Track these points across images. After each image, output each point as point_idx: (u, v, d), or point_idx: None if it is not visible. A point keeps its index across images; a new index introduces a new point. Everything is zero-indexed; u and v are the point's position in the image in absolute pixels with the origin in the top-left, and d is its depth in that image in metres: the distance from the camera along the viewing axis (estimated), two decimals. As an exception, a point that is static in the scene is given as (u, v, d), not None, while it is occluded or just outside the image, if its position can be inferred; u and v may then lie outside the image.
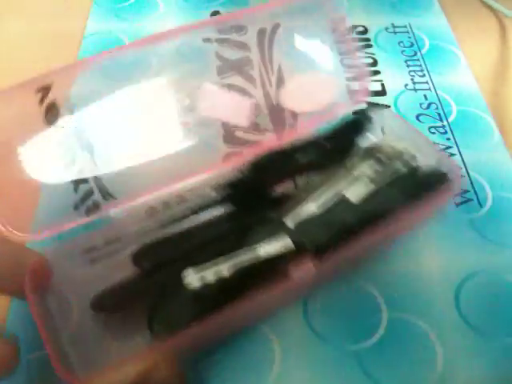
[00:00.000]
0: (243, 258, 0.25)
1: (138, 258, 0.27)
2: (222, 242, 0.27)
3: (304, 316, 0.28)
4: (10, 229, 0.25)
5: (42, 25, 0.45)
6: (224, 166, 0.30)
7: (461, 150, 0.36)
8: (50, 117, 0.26)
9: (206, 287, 0.24)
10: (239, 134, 0.33)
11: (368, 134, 0.33)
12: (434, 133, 0.37)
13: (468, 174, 0.35)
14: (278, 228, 0.26)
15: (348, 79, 0.34)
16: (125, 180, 0.28)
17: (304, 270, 0.24)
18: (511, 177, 0.35)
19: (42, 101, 0.26)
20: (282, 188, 0.30)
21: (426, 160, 0.30)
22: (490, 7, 0.49)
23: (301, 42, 0.36)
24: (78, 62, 0.27)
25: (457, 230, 0.32)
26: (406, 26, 0.47)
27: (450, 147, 0.37)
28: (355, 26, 0.46)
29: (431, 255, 0.31)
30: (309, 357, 0.27)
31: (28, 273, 0.24)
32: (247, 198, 0.29)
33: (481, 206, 0.33)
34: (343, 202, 0.27)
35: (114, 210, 0.27)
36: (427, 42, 0.45)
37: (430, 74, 0.42)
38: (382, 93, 0.41)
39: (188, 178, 0.29)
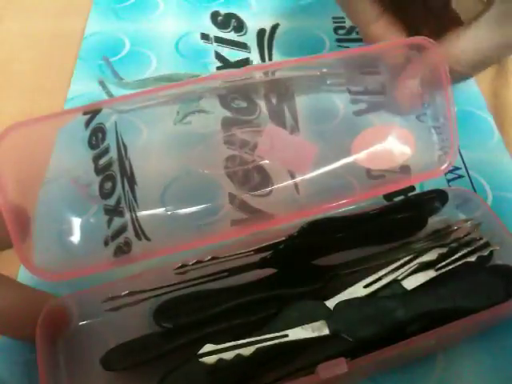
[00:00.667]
0: (269, 342, 0.22)
1: (158, 315, 0.25)
2: (251, 315, 0.25)
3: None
4: (38, 267, 0.23)
5: (42, 25, 0.45)
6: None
7: (461, 149, 0.36)
8: (95, 140, 0.25)
9: (223, 364, 0.22)
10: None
11: (441, 213, 0.30)
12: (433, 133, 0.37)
13: (468, 173, 0.35)
14: (316, 308, 0.24)
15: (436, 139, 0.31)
16: (162, 224, 0.26)
17: (334, 367, 0.21)
18: (511, 177, 0.35)
19: (88, 123, 0.25)
20: (332, 259, 0.27)
21: (502, 254, 0.27)
22: (489, 7, 0.49)
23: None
24: (133, 93, 0.26)
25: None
26: (405, 26, 0.47)
27: (450, 147, 0.37)
28: (355, 26, 0.46)
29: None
30: None
31: (40, 320, 0.22)
32: (290, 265, 0.26)
33: (481, 206, 0.33)
34: (395, 286, 0.25)
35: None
36: (427, 42, 0.45)
37: (430, 74, 0.42)
38: (383, 92, 0.40)
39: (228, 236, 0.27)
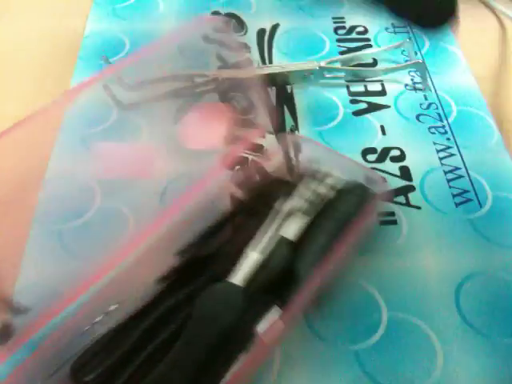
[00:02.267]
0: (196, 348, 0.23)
1: (76, 374, 0.23)
2: (169, 324, 0.25)
3: (304, 316, 0.28)
4: None
5: (43, 25, 0.45)
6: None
7: (461, 150, 0.36)
8: None
9: None
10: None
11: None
12: (433, 133, 0.37)
13: (468, 173, 0.35)
14: (226, 288, 0.25)
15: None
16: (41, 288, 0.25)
17: (273, 329, 0.23)
18: (511, 177, 0.35)
19: None
20: (218, 242, 0.28)
21: (352, 178, 0.30)
22: (489, 7, 0.49)
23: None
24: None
25: (457, 230, 0.32)
26: (406, 26, 0.47)
27: (450, 147, 0.37)
28: (355, 26, 0.46)
29: (431, 255, 0.31)
30: (308, 357, 0.27)
31: None
32: (191, 274, 0.27)
33: (481, 206, 0.33)
34: (283, 242, 0.27)
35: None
36: (427, 42, 0.45)
37: (430, 73, 0.42)
38: (382, 93, 0.41)
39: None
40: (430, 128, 0.38)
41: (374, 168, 0.35)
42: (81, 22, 0.45)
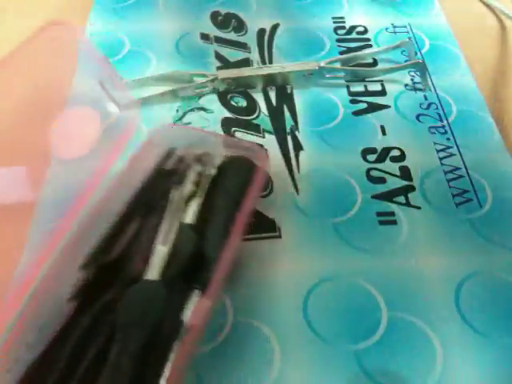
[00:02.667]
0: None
1: None
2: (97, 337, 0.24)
3: (304, 316, 0.28)
4: None
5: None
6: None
7: (461, 150, 0.36)
8: None
9: None
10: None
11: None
12: (433, 133, 0.37)
13: (468, 173, 0.35)
14: (147, 286, 0.25)
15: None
16: None
17: (199, 311, 0.24)
18: (511, 177, 0.35)
19: None
20: (122, 246, 0.27)
21: (233, 153, 0.31)
22: (489, 7, 0.49)
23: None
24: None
25: (457, 230, 0.32)
26: (405, 26, 0.47)
27: (450, 147, 0.37)
28: (355, 26, 0.46)
29: (431, 255, 0.31)
30: (308, 357, 0.27)
31: None
32: (104, 284, 0.26)
33: (481, 206, 0.33)
34: (184, 228, 0.27)
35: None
36: (427, 42, 0.45)
37: (430, 73, 0.42)
38: (382, 93, 0.41)
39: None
40: (430, 128, 0.38)
41: (373, 168, 0.35)
42: (81, 22, 0.45)
